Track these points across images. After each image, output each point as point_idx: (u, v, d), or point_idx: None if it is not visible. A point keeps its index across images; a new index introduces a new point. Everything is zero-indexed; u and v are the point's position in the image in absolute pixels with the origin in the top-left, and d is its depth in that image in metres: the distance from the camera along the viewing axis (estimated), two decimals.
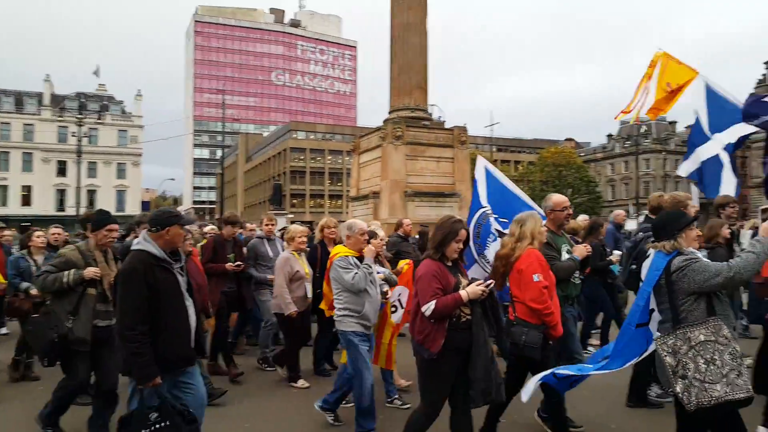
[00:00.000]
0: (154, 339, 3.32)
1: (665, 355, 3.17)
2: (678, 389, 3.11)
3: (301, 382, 6.12)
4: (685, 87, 7.48)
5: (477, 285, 3.58)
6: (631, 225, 21.35)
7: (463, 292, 3.54)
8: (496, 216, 5.85)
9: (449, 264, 3.72)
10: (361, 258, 4.72)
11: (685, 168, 7.66)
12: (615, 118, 8.19)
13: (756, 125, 6.93)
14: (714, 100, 7.31)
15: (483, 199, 5.98)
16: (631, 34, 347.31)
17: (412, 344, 3.76)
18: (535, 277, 4.00)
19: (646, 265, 3.57)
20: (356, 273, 4.54)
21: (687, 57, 7.63)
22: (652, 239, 3.58)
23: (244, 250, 7.16)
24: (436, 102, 56.95)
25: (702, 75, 7.40)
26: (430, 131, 16.84)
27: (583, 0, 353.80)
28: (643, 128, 69.74)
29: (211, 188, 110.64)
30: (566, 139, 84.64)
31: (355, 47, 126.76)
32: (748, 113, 6.74)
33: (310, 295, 6.25)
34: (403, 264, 5.91)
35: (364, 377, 4.45)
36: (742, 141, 7.15)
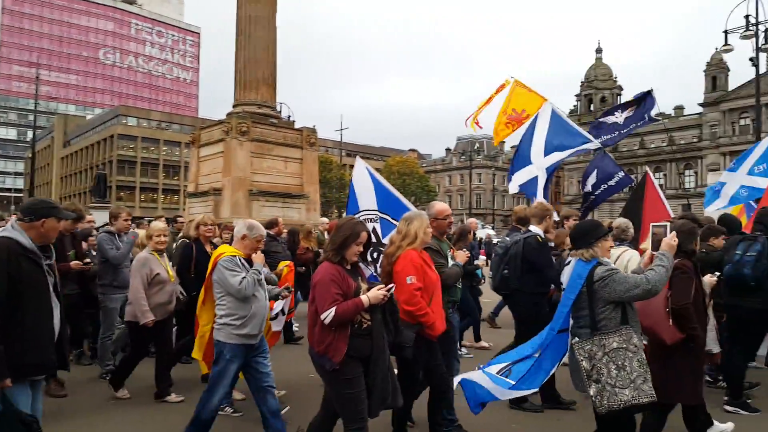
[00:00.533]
0: (9, 337, 2.96)
1: (582, 360, 3.37)
2: (592, 392, 3.32)
3: (173, 396, 5.40)
4: (531, 115, 8.00)
5: (378, 289, 3.45)
6: (481, 233, 23.06)
7: (364, 297, 3.41)
8: (388, 216, 5.68)
9: (348, 268, 3.54)
10: (249, 260, 4.27)
11: (515, 183, 8.25)
12: (465, 123, 8.63)
13: (602, 143, 7.96)
14: (557, 123, 7.92)
15: (368, 201, 5.77)
16: (470, 58, 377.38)
17: (311, 357, 3.52)
18: (408, 279, 3.98)
19: (566, 272, 3.72)
20: (244, 277, 4.06)
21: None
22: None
23: (85, 245, 6.57)
24: (286, 101, 55.87)
25: (549, 102, 7.97)
26: (277, 129, 16.21)
27: (432, 19, 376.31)
28: (477, 145, 76.07)
29: (17, 174, 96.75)
30: (410, 150, 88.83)
31: (198, 33, 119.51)
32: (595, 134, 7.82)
33: (173, 300, 5.54)
34: (283, 266, 5.56)
35: (216, 395, 4.09)
36: (557, 166, 8.07)
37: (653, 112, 8.38)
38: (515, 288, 5.39)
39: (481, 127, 8.65)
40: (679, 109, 71.83)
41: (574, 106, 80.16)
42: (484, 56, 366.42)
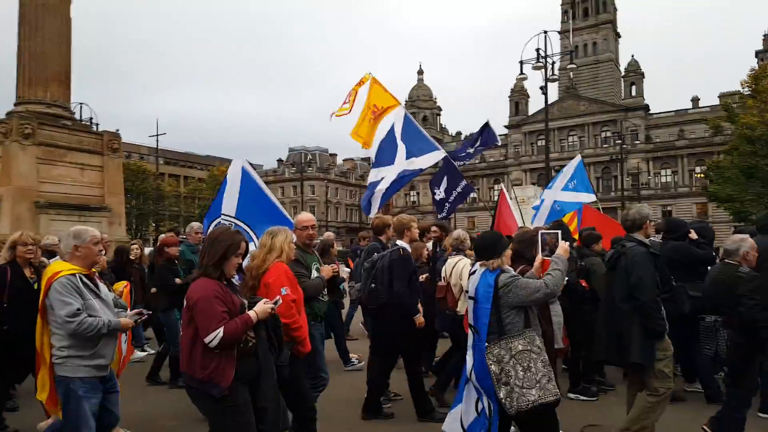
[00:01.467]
0: None
1: (491, 364, 3.50)
2: (502, 395, 3.44)
3: None
4: (386, 114, 7.85)
5: (264, 303, 3.28)
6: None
7: (251, 313, 3.19)
8: (244, 224, 5.30)
9: (225, 282, 3.27)
10: (92, 277, 3.70)
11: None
12: (331, 116, 8.20)
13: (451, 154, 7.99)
14: (410, 129, 7.82)
15: (229, 207, 5.40)
16: (300, 73, 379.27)
17: (189, 386, 3.20)
18: (283, 290, 3.83)
19: (473, 282, 3.81)
20: (79, 309, 3.41)
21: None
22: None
23: None
24: (88, 102, 50.31)
25: (402, 106, 7.90)
26: (72, 133, 14.23)
27: (269, 27, 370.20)
28: (309, 156, 76.18)
29: None
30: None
31: None
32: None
33: None
34: (121, 286, 5.32)
35: None
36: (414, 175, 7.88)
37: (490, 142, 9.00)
38: (383, 302, 5.33)
39: (338, 117, 8.03)
40: None
41: None
42: (320, 69, 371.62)
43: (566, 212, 9.82)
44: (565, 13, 79.86)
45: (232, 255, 3.24)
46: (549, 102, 24.44)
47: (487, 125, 9.03)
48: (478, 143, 8.76)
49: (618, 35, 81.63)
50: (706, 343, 4.47)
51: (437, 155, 7.70)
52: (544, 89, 23.00)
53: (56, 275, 3.48)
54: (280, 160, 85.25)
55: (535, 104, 73.59)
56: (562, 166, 9.67)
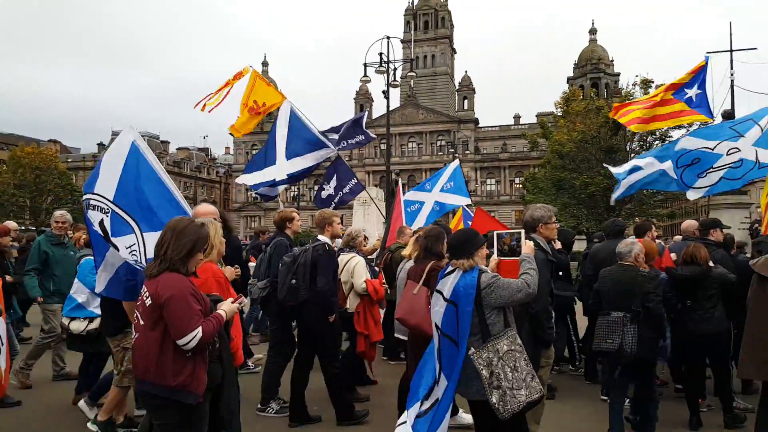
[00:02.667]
0: None
1: (482, 369, 3.32)
2: (494, 399, 3.27)
3: None
4: (272, 109, 7.59)
5: (231, 302, 3.15)
6: None
7: (221, 312, 3.03)
8: (124, 212, 4.27)
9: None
10: None
11: (248, 179, 7.75)
12: (194, 107, 7.51)
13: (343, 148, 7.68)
14: (296, 125, 7.49)
15: (107, 187, 4.28)
16: (122, 52, 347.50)
17: (153, 396, 2.90)
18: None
19: (449, 284, 3.52)
20: None
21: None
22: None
23: None
24: None
25: (288, 100, 7.55)
26: None
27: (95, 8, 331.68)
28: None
29: None
30: (50, 141, 75.66)
31: None
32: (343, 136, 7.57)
33: None
34: None
35: None
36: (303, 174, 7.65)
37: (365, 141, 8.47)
38: (304, 299, 5.10)
39: (209, 112, 7.62)
40: None
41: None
42: (151, 49, 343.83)
43: (443, 212, 10.53)
44: (407, 23, 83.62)
45: (199, 251, 3.03)
46: (391, 108, 25.09)
47: (361, 119, 8.58)
48: (355, 139, 8.31)
49: (454, 51, 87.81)
50: (610, 338, 4.74)
51: (327, 152, 7.49)
52: (386, 93, 23.59)
53: None
54: (101, 144, 76.58)
55: (379, 109, 75.94)
56: (403, 170, 9.83)
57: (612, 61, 69.30)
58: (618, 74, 64.66)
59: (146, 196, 4.32)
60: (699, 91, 8.15)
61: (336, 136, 8.26)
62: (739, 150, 7.72)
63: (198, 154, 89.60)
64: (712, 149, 7.23)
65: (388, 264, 7.13)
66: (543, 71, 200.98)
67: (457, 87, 78.86)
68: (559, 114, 37.03)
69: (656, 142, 30.33)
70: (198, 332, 2.80)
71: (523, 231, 3.99)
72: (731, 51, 23.04)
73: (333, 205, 8.08)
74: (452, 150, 54.65)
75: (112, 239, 4.18)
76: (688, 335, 5.35)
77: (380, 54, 21.97)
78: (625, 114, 9.03)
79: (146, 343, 2.89)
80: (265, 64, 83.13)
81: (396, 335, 5.44)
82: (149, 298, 2.90)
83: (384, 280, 6.40)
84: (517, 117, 77.33)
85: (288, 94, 8.03)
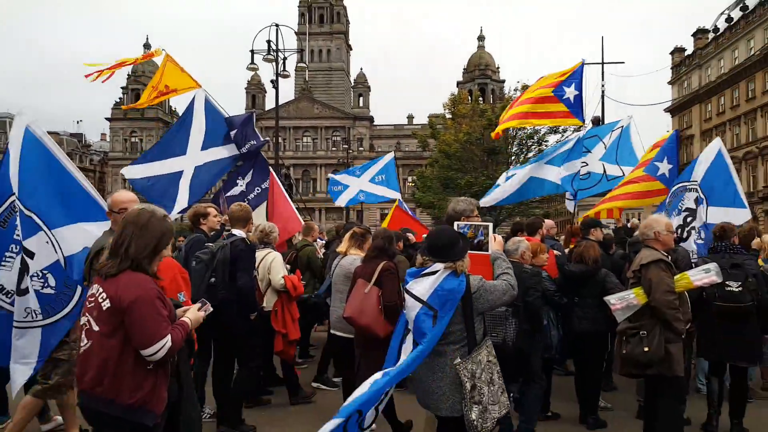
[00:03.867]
0: None
1: (466, 382, 3.04)
2: (474, 416, 3.00)
3: None
4: (180, 93, 7.26)
5: (198, 309, 2.85)
6: None
7: (186, 320, 2.72)
8: (29, 211, 4.02)
9: None
10: None
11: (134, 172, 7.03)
12: (86, 77, 6.88)
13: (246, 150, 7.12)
14: (213, 117, 7.14)
15: (13, 180, 4.03)
16: None
17: (101, 419, 2.53)
18: (181, 296, 3.40)
19: (425, 286, 3.15)
20: None
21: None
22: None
23: None
24: None
25: (203, 89, 7.19)
26: None
27: None
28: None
29: None
30: None
31: None
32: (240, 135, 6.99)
33: None
34: None
35: None
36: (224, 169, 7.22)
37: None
38: (224, 297, 4.76)
39: (103, 81, 7.13)
40: None
41: (120, 98, 76.52)
42: (16, 29, 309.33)
43: (368, 202, 10.66)
44: (302, 15, 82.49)
45: (164, 247, 2.72)
46: (286, 101, 24.55)
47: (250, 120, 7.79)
48: (249, 144, 7.52)
49: (350, 47, 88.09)
50: (494, 331, 4.83)
51: (259, 145, 7.18)
52: (274, 83, 23.03)
53: None
54: None
55: (273, 100, 74.28)
56: (295, 165, 9.61)
57: (498, 68, 73.17)
58: (503, 81, 68.40)
59: (50, 188, 4.03)
60: (576, 92, 8.55)
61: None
62: (588, 164, 8.80)
63: (70, 140, 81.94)
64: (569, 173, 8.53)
65: (293, 261, 6.88)
66: (437, 74, 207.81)
67: (353, 84, 79.20)
68: (447, 116, 38.50)
69: (534, 146, 32.56)
70: (167, 341, 2.49)
71: (491, 224, 3.73)
72: (602, 63, 25.19)
73: (248, 202, 7.63)
74: (346, 146, 54.66)
75: (25, 243, 3.99)
76: (570, 332, 5.44)
77: (268, 42, 21.32)
78: (507, 120, 9.48)
79: (100, 352, 2.50)
80: (147, 46, 78.05)
81: (333, 332, 5.30)
82: (107, 301, 2.51)
83: (301, 276, 6.27)
84: (410, 117, 79.19)
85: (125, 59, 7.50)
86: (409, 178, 70.36)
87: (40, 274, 4.04)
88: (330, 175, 10.11)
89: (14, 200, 4.06)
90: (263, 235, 5.78)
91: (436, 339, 3.08)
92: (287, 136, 72.69)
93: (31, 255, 4.00)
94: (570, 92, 8.58)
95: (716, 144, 6.68)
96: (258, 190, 7.55)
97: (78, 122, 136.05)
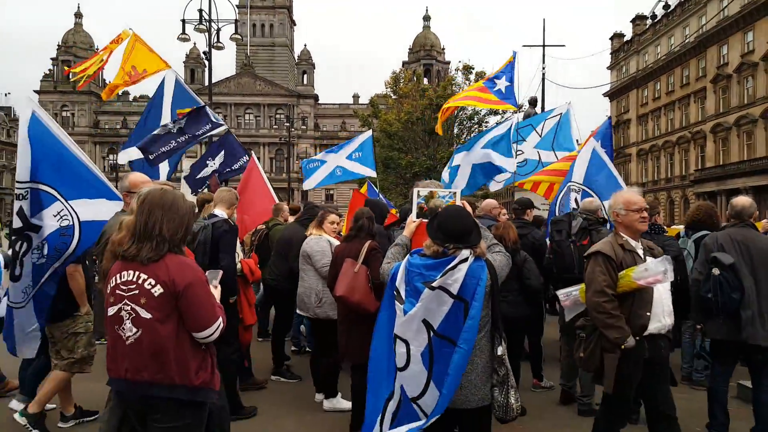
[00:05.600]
0: None
1: (501, 368, 2.91)
2: (512, 400, 2.87)
3: None
4: (151, 74, 7.38)
5: (214, 286, 2.84)
6: None
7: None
8: (41, 183, 4.21)
9: None
10: None
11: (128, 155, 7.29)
12: (65, 73, 6.63)
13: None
14: (181, 97, 7.38)
15: (22, 172, 4.20)
16: None
17: (165, 404, 2.51)
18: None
19: (457, 277, 2.78)
20: None
21: None
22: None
23: None
24: None
25: (173, 70, 7.46)
26: None
27: None
28: None
29: None
30: None
31: None
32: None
33: None
34: None
35: None
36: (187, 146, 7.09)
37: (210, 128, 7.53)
38: None
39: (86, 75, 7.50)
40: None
41: (50, 70, 71.84)
42: None
43: (344, 179, 10.72)
44: None
45: (192, 227, 2.80)
46: (226, 76, 23.15)
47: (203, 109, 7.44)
48: (207, 126, 7.32)
49: (293, 23, 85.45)
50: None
51: (215, 127, 7.18)
52: (207, 55, 21.54)
53: None
54: None
55: (214, 76, 71.39)
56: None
57: (443, 49, 72.79)
58: (449, 62, 68.11)
59: (62, 165, 4.24)
60: (508, 84, 8.89)
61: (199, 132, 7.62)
62: (523, 152, 9.27)
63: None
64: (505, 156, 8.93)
65: (263, 241, 6.94)
66: (384, 54, 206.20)
67: (297, 61, 76.99)
68: (389, 94, 37.65)
69: (474, 126, 32.21)
70: (220, 322, 2.60)
71: (458, 191, 3.61)
72: (543, 46, 24.97)
73: (215, 179, 7.82)
74: (287, 124, 52.96)
75: (32, 220, 4.16)
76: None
77: (200, 11, 19.84)
78: (444, 111, 10.09)
79: (157, 338, 2.47)
80: (78, 15, 73.27)
81: (299, 312, 5.49)
82: (158, 287, 2.47)
83: (257, 260, 6.03)
84: (356, 96, 77.95)
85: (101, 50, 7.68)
86: None
87: (40, 245, 4.20)
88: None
89: (26, 190, 4.21)
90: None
91: (476, 332, 2.79)
92: (228, 113, 70.07)
93: (37, 229, 4.18)
94: (501, 83, 8.91)
95: (590, 144, 7.16)
96: (234, 167, 7.89)
97: (6, 95, 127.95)
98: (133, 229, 2.57)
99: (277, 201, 7.95)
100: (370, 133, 11.07)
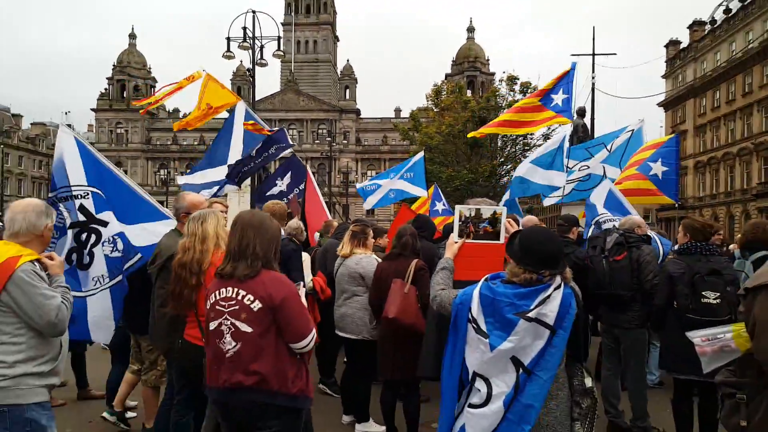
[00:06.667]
0: None
1: (588, 399, 2.78)
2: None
3: None
4: (223, 109, 7.68)
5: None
6: None
7: None
8: (101, 191, 4.64)
9: None
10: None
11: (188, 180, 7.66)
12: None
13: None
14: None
15: (78, 176, 4.56)
16: None
17: (265, 410, 2.68)
18: None
19: (551, 307, 2.55)
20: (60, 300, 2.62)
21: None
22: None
23: None
24: None
25: (242, 101, 7.74)
26: None
27: None
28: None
29: None
30: None
31: None
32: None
33: None
34: None
35: None
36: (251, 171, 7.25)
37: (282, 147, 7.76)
38: None
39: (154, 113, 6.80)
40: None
41: (105, 89, 74.77)
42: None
43: (397, 200, 10.96)
44: (288, 6, 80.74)
45: (279, 244, 2.88)
46: (271, 93, 23.01)
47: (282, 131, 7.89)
48: (273, 149, 7.57)
49: (337, 38, 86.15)
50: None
51: (283, 150, 7.39)
52: (250, 72, 21.41)
53: (16, 261, 2.54)
54: None
55: (259, 92, 72.58)
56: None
57: (488, 60, 71.56)
58: (493, 73, 66.85)
59: (110, 188, 4.61)
60: (565, 96, 8.55)
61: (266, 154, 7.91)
62: (589, 167, 9.04)
63: (56, 131, 79.92)
64: (571, 168, 8.67)
65: (321, 258, 6.81)
66: (427, 67, 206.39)
67: (339, 76, 77.36)
68: (431, 107, 36.86)
69: (519, 138, 30.94)
70: (313, 333, 2.75)
71: (504, 209, 3.35)
72: (593, 54, 23.64)
73: (285, 202, 8.06)
74: (329, 139, 52.93)
75: (99, 216, 4.47)
76: None
77: (244, 29, 19.68)
78: (488, 126, 9.83)
79: (258, 351, 2.65)
80: (132, 36, 76.16)
81: (338, 333, 5.18)
82: (256, 302, 2.66)
83: (326, 279, 5.89)
84: (398, 110, 77.64)
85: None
86: None
87: (111, 239, 4.48)
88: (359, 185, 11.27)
89: (63, 195, 4.50)
90: (293, 234, 5.69)
91: (558, 361, 2.62)
92: (272, 128, 70.85)
93: (104, 224, 4.49)
94: (558, 98, 8.63)
95: (606, 185, 7.07)
96: (296, 190, 8.25)
97: (66, 113, 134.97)
98: (228, 249, 2.77)
99: (329, 217, 8.15)
100: (421, 154, 11.11)
